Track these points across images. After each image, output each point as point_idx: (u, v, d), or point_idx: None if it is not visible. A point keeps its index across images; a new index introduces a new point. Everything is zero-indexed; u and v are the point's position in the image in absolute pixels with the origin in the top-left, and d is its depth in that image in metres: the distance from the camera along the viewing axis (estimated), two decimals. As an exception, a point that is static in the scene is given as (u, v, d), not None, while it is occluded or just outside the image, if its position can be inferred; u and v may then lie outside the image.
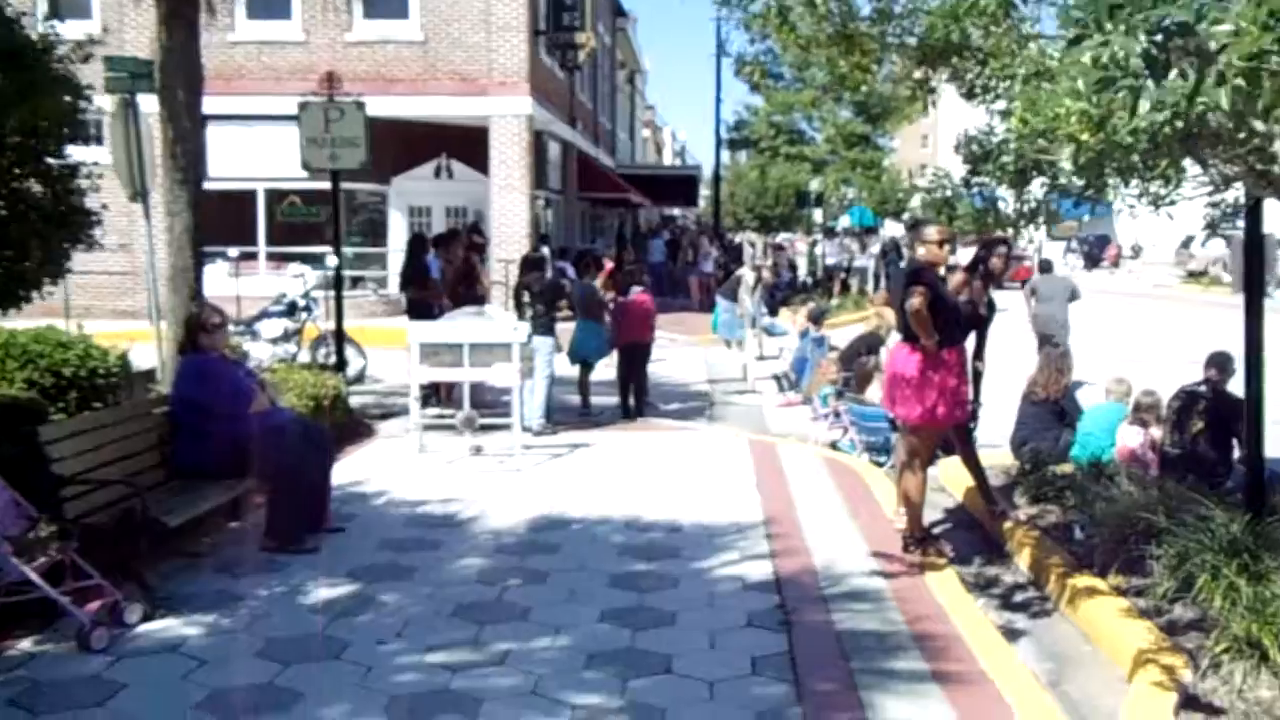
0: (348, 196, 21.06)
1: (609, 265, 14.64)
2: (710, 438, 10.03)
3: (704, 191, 50.00)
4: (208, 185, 20.59)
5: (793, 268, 29.65)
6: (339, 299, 10.81)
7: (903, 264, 29.05)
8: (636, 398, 11.34)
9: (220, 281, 20.19)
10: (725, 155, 45.60)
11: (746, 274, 15.07)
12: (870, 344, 10.10)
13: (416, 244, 11.63)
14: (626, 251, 30.20)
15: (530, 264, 10.37)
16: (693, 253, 29.77)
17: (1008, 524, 6.89)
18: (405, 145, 21.06)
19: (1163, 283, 38.22)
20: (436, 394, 10.67)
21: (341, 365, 10.76)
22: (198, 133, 9.34)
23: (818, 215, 33.77)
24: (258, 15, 20.27)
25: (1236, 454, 7.35)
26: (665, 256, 31.11)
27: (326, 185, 19.60)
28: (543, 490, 7.85)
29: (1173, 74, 2.83)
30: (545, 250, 22.09)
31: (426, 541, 6.52)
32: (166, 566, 5.72)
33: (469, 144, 20.69)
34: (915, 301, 5.72)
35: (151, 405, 6.67)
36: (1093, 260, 50.67)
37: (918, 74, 4.80)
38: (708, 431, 10.50)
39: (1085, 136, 3.07)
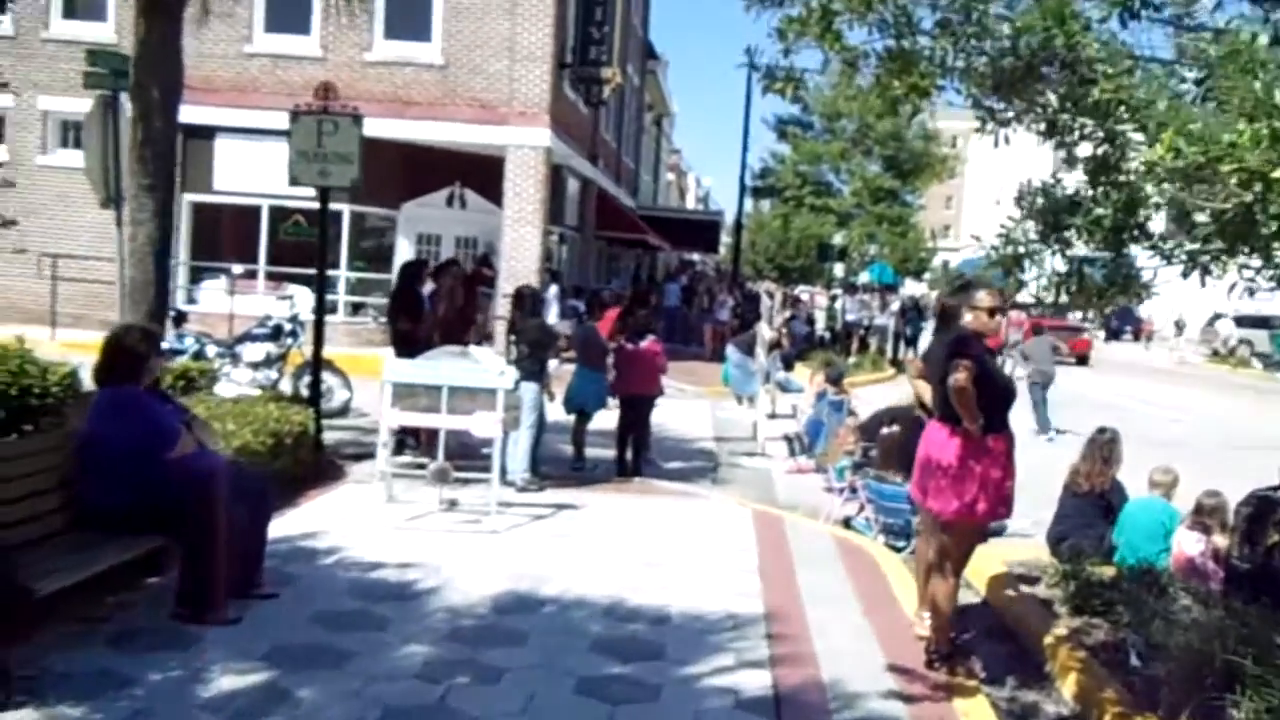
0: (356, 219, 20.38)
1: (614, 309, 13.75)
2: (711, 507, 9.07)
3: (725, 239, 49.30)
4: (213, 199, 20.13)
5: (810, 322, 28.78)
6: (319, 324, 9.93)
7: (924, 324, 28.21)
8: (635, 453, 10.43)
9: (217, 299, 19.50)
10: (749, 204, 44.90)
11: (765, 330, 14.17)
12: (896, 416, 9.14)
13: (409, 271, 10.73)
14: (653, 295, 29.38)
15: (517, 299, 9.45)
16: (709, 300, 28.92)
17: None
18: (418, 170, 20.34)
19: (1187, 360, 37.17)
20: (416, 437, 9.76)
21: (317, 398, 9.85)
22: (171, 136, 8.54)
23: (839, 269, 32.90)
24: (276, 28, 19.65)
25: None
26: (680, 301, 30.27)
27: (334, 205, 19.16)
28: (516, 559, 6.92)
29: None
30: (553, 288, 21.29)
31: (370, 617, 5.59)
32: (49, 635, 4.79)
33: (484, 174, 19.95)
34: (960, 377, 4.80)
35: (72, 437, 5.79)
36: (1113, 333, 49.61)
37: (988, 102, 3.93)
38: (709, 498, 9.54)
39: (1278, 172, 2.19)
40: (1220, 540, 6.80)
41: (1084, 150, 4.07)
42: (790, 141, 40.19)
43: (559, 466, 10.18)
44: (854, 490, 8.92)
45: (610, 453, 10.48)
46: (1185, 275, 3.65)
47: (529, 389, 8.58)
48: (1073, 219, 3.63)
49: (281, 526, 7.17)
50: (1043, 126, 3.98)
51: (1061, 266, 4.04)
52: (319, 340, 9.99)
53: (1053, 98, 3.88)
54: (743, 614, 6.09)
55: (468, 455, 8.35)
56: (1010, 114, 3.97)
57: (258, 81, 19.47)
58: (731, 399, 15.83)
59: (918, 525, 7.07)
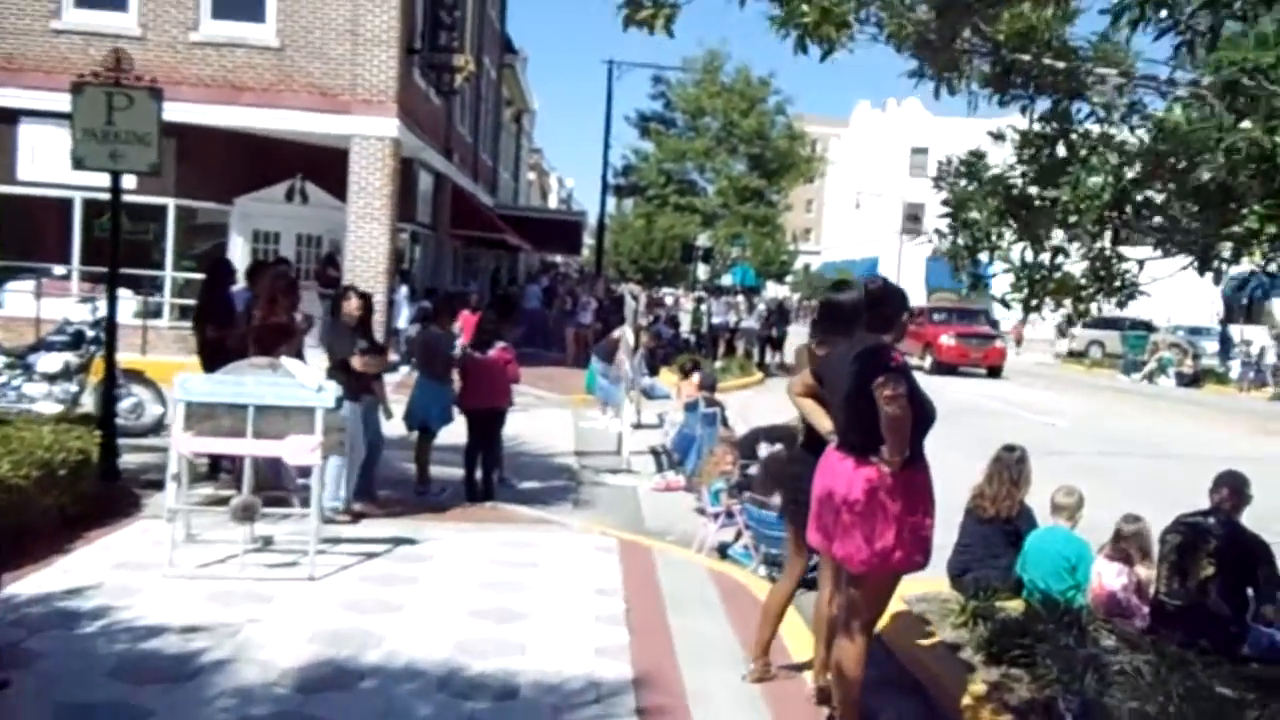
0: (183, 214, 18.61)
1: (476, 314, 12.51)
2: (571, 538, 7.95)
3: (588, 240, 48.33)
4: (16, 190, 18.06)
5: (674, 324, 27.98)
6: (111, 330, 8.54)
7: (788, 328, 27.79)
8: (485, 474, 9.27)
9: (21, 303, 17.48)
10: (612, 203, 43.96)
11: (626, 333, 13.18)
12: (778, 435, 8.15)
13: (216, 271, 9.33)
14: (517, 297, 27.99)
15: (334, 304, 8.19)
16: (571, 302, 27.84)
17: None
18: (253, 162, 18.67)
19: (1044, 362, 37.81)
20: (232, 461, 8.41)
21: (109, 416, 8.44)
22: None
23: (702, 271, 32.24)
24: (88, 3, 17.74)
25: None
26: (541, 304, 29.17)
27: (158, 199, 17.53)
28: (335, 614, 5.73)
29: None
30: (403, 289, 19.93)
31: (128, 712, 4.34)
32: None
33: (327, 166, 18.43)
34: (897, 402, 3.83)
35: None
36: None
37: (929, 37, 2.98)
38: (570, 526, 8.44)
39: None
40: (1143, 571, 6.07)
41: (1038, 108, 3.18)
42: (653, 138, 39.33)
43: (402, 490, 8.99)
44: (730, 515, 7.99)
45: (461, 472, 9.32)
46: (1201, 272, 2.77)
47: (347, 407, 7.29)
48: (1056, 192, 2.70)
49: (41, 582, 5.88)
50: (998, 69, 3.05)
51: (1029, 257, 3.12)
52: (111, 349, 8.60)
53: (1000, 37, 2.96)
54: (607, 680, 5.05)
55: (284, 489, 7.10)
56: (953, 53, 3.02)
57: (68, 61, 17.45)
58: (595, 407, 14.84)
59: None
